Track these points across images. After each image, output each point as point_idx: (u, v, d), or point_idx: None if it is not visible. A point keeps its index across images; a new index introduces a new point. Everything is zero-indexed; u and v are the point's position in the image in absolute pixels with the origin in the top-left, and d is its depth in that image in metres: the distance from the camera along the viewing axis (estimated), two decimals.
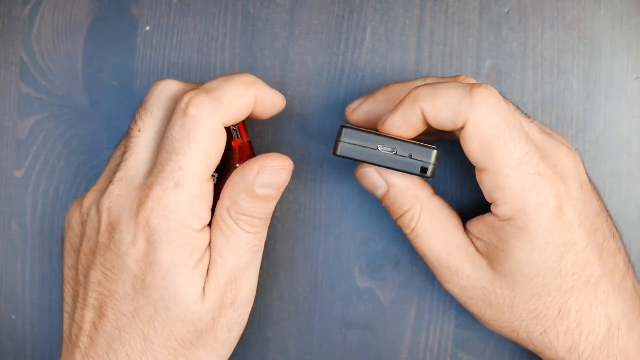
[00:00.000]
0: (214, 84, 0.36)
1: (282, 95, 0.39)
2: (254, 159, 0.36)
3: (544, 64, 0.43)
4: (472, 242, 0.38)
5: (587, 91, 0.43)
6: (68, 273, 0.39)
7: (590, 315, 0.37)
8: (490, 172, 0.35)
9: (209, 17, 0.44)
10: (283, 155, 0.37)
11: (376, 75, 0.43)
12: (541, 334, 0.37)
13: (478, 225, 0.38)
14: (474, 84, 0.35)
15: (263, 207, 0.37)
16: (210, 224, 0.37)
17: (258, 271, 0.38)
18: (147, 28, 0.44)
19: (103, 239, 0.37)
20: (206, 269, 0.37)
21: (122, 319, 0.36)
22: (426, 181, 0.39)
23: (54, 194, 0.45)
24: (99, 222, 0.37)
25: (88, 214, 0.38)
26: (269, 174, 0.36)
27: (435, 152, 0.36)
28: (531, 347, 0.38)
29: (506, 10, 0.43)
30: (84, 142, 0.45)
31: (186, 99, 0.35)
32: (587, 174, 0.38)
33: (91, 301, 0.37)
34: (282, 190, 0.37)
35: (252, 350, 0.44)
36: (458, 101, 0.35)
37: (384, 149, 0.36)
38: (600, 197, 0.39)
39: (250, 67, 0.44)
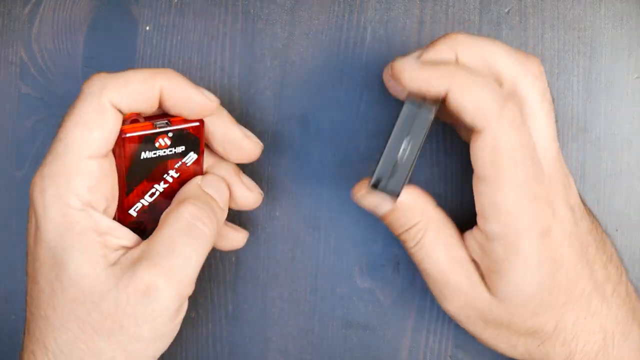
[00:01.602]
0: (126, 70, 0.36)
1: (208, 97, 0.36)
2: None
3: (544, 63, 0.43)
4: (470, 259, 0.37)
5: (587, 91, 0.43)
6: None
7: (585, 326, 0.37)
8: (490, 184, 0.35)
9: (209, 17, 0.44)
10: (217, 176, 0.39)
11: (376, 75, 0.43)
12: (539, 345, 0.37)
13: (470, 242, 0.37)
14: (508, 95, 0.34)
15: (211, 206, 0.37)
16: (110, 213, 0.36)
17: (191, 274, 0.35)
18: (147, 28, 0.44)
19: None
20: (104, 251, 0.35)
21: (30, 302, 0.36)
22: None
23: None
24: None
25: None
26: (210, 177, 0.38)
27: (399, 191, 0.34)
28: (528, 357, 0.38)
29: (506, 10, 0.43)
30: None
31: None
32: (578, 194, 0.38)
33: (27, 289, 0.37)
34: (224, 203, 0.38)
35: (252, 350, 0.44)
36: (488, 104, 0.33)
37: (405, 143, 0.34)
38: (589, 212, 0.39)
39: (250, 67, 0.44)
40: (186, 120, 0.37)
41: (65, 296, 0.34)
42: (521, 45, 0.43)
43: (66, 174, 0.34)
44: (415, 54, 0.36)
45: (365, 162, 0.44)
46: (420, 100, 0.34)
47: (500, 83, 0.36)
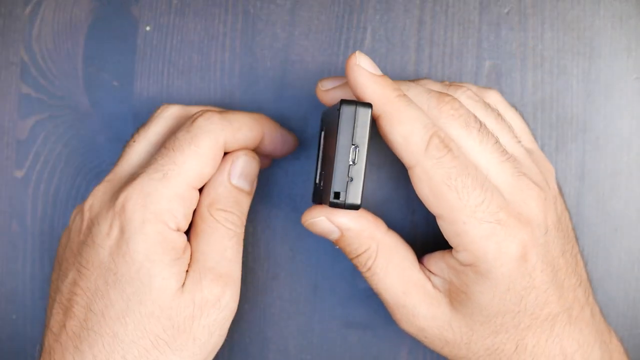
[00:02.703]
0: (227, 111, 0.38)
1: (294, 135, 0.42)
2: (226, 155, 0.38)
3: (544, 64, 0.43)
4: (429, 279, 0.38)
5: (587, 91, 0.43)
6: (51, 287, 0.38)
7: (545, 349, 0.36)
8: (445, 219, 0.35)
9: (209, 17, 0.44)
10: (250, 151, 0.39)
11: None
12: None
13: (438, 262, 0.37)
14: (434, 135, 0.34)
15: (239, 202, 0.38)
16: (187, 232, 0.37)
17: (240, 273, 0.38)
18: (147, 28, 0.44)
19: (82, 236, 0.36)
20: (185, 268, 0.36)
21: (91, 317, 0.35)
22: (379, 216, 0.38)
23: (54, 194, 0.45)
24: (81, 221, 0.37)
25: (73, 220, 0.38)
26: (242, 163, 0.38)
27: (359, 202, 0.33)
28: None
29: (506, 10, 0.43)
30: (84, 142, 0.45)
31: (198, 111, 0.37)
32: (561, 201, 0.38)
33: (63, 302, 0.36)
34: (253, 184, 0.39)
35: (252, 350, 0.44)
36: (414, 141, 0.34)
37: (353, 150, 0.33)
38: (568, 224, 0.39)
39: (250, 67, 0.44)
40: None
41: (141, 311, 0.34)
42: (521, 45, 0.43)
43: (173, 196, 0.36)
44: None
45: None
46: (354, 101, 0.33)
47: None
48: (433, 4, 0.43)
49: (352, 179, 0.33)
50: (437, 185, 0.34)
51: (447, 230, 0.35)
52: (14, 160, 0.45)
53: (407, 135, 0.34)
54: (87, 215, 0.37)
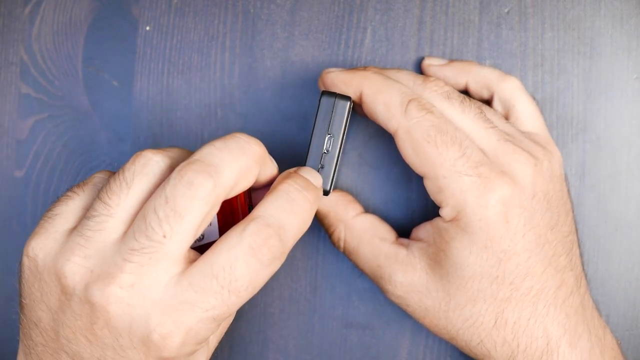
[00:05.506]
0: (217, 161, 0.32)
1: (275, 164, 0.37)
2: None
3: (544, 64, 0.43)
4: (406, 248, 0.39)
5: (587, 91, 0.43)
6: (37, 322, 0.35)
7: (527, 327, 0.36)
8: (429, 176, 0.36)
9: (209, 17, 0.44)
10: None
11: None
12: (478, 343, 0.37)
13: (425, 227, 0.39)
14: (412, 99, 0.36)
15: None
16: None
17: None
18: (147, 28, 0.44)
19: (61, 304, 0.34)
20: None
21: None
22: (356, 200, 0.41)
23: (54, 194, 0.45)
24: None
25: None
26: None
27: (328, 188, 0.35)
28: (471, 355, 0.38)
29: (506, 10, 0.43)
30: (84, 142, 0.45)
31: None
32: (562, 186, 0.39)
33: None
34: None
35: (252, 350, 0.44)
36: (395, 105, 0.36)
37: (328, 140, 0.35)
38: (568, 212, 0.39)
39: (250, 67, 0.44)
40: None
41: None
42: (521, 45, 0.43)
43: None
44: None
45: (364, 162, 0.44)
46: (335, 93, 0.36)
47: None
48: (433, 4, 0.43)
49: (323, 167, 0.35)
50: (418, 143, 0.36)
51: (431, 188, 0.36)
52: (14, 160, 0.45)
53: (387, 101, 0.36)
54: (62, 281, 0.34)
